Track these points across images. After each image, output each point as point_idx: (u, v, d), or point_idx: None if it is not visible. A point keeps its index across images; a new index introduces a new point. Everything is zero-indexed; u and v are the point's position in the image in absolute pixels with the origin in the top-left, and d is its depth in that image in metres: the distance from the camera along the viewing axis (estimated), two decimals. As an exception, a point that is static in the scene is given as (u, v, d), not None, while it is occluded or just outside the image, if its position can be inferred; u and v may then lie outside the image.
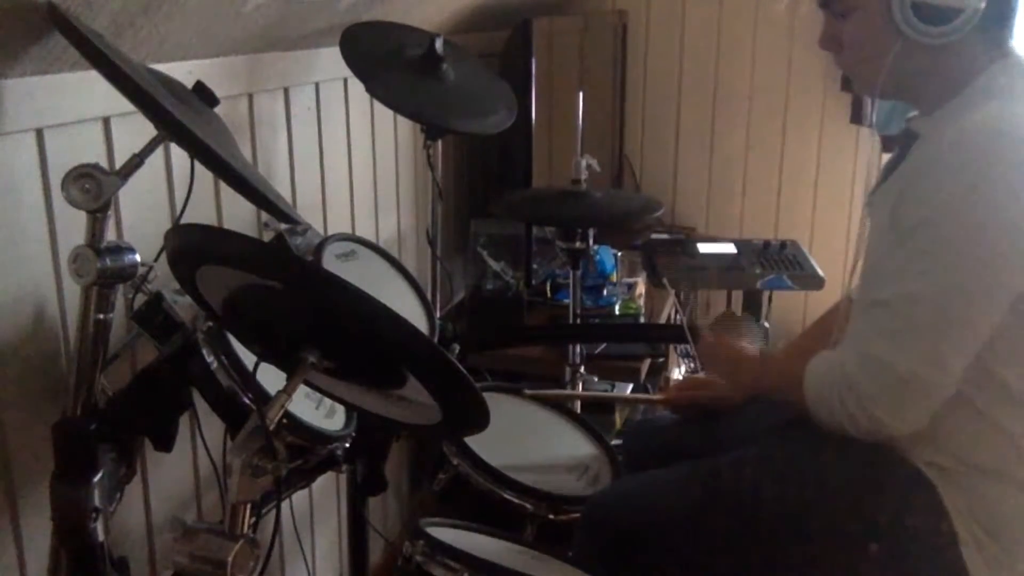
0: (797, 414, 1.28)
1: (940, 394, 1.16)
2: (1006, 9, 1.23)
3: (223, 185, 1.54)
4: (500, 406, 1.80)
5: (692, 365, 2.85)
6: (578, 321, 2.24)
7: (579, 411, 1.95)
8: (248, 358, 1.19)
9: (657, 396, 1.93)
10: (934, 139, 1.21)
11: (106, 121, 1.31)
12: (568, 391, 2.14)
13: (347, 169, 2.04)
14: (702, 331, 1.55)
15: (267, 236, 1.52)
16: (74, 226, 1.13)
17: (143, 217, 1.39)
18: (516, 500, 1.54)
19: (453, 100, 1.82)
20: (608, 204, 2.10)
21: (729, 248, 2.72)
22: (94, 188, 1.04)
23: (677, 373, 2.89)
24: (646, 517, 1.36)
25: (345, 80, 1.99)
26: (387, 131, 2.22)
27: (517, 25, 2.42)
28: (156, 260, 1.20)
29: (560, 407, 1.88)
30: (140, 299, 1.24)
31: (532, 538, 1.51)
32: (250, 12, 1.46)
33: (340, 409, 1.46)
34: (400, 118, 2.21)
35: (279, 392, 0.96)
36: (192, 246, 0.95)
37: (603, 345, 2.35)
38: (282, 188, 1.77)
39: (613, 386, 2.40)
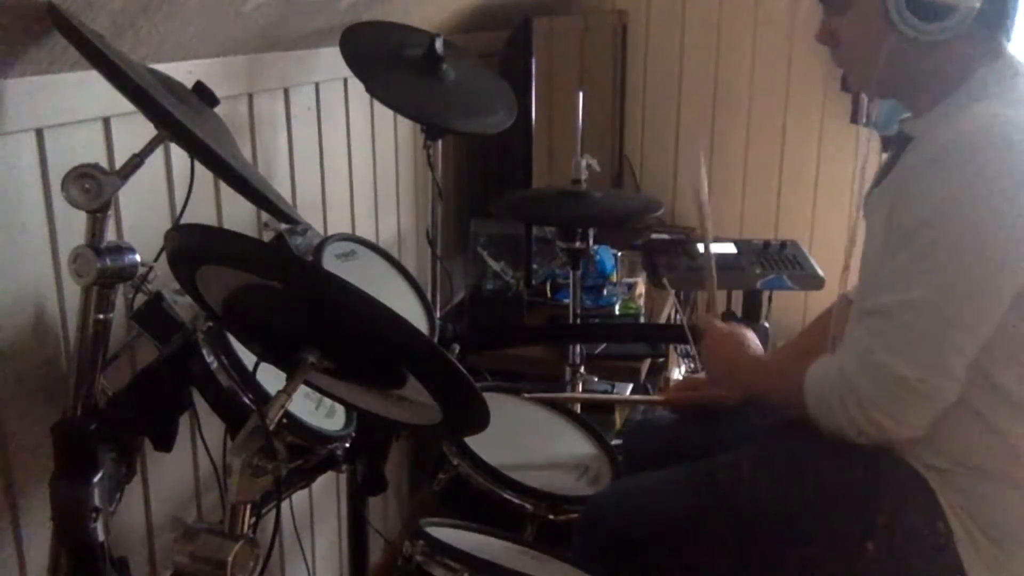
0: (796, 415, 1.28)
1: (942, 398, 1.16)
2: (1002, 10, 1.23)
3: (223, 185, 1.54)
4: (500, 406, 1.80)
5: (692, 365, 2.85)
6: (578, 321, 2.24)
7: (579, 411, 1.95)
8: (248, 358, 1.19)
9: (657, 396, 1.93)
10: (928, 141, 1.21)
11: (106, 121, 1.31)
12: (568, 393, 2.14)
13: (347, 169, 2.05)
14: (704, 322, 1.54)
15: (267, 236, 1.52)
16: (74, 226, 1.13)
17: (143, 217, 1.39)
18: (516, 500, 1.54)
19: (453, 100, 1.82)
20: (608, 204, 2.10)
21: (729, 248, 2.72)
22: (94, 188, 1.04)
23: (677, 373, 2.89)
24: (645, 517, 1.36)
25: (345, 80, 1.99)
26: (387, 131, 2.22)
27: (517, 25, 2.42)
28: (156, 260, 1.20)
29: (560, 407, 1.88)
30: (140, 299, 1.24)
31: (532, 538, 1.51)
32: (250, 12, 1.46)
33: (340, 409, 1.46)
34: (400, 118, 2.21)
35: (279, 392, 0.96)
36: (192, 246, 0.95)
37: (603, 345, 2.35)
38: (282, 188, 1.77)
39: (613, 386, 2.40)
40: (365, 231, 2.12)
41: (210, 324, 1.22)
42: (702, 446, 1.46)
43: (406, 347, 0.91)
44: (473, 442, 1.58)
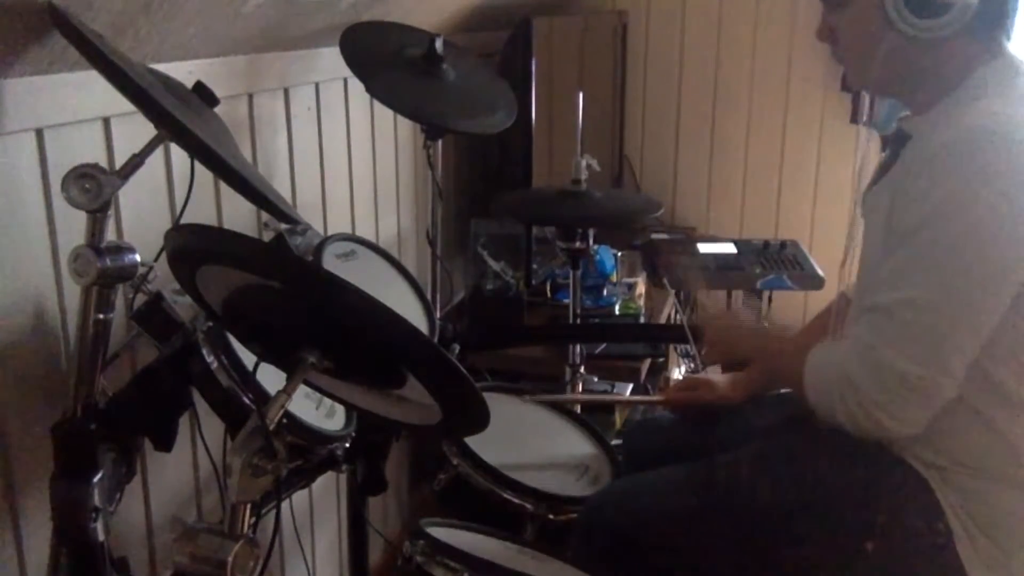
0: (795, 412, 1.28)
1: (942, 396, 1.16)
2: (1001, 9, 1.23)
3: (223, 185, 1.54)
4: (500, 406, 1.80)
5: (692, 365, 2.85)
6: (578, 321, 2.24)
7: (579, 411, 1.95)
8: (248, 358, 1.19)
9: (657, 396, 1.93)
10: (926, 139, 1.21)
11: (106, 121, 1.31)
12: (568, 395, 2.14)
13: (347, 169, 2.05)
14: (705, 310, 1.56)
15: (267, 236, 1.52)
16: (74, 226, 1.13)
17: (143, 217, 1.39)
18: (516, 500, 1.54)
19: (453, 100, 1.82)
20: (608, 204, 2.10)
21: (729, 248, 2.72)
22: (94, 188, 1.04)
23: (677, 373, 2.89)
24: (644, 517, 1.36)
25: (345, 80, 1.99)
26: (387, 131, 2.22)
27: (517, 25, 2.42)
28: (156, 260, 1.20)
29: (560, 407, 1.88)
30: (140, 299, 1.24)
31: (532, 538, 1.51)
32: (250, 12, 1.46)
33: (340, 409, 1.45)
34: (400, 118, 2.21)
35: (279, 392, 0.96)
36: (192, 246, 0.95)
37: (603, 345, 2.35)
38: (282, 188, 1.77)
39: (613, 386, 2.40)
40: (365, 231, 2.12)
41: (210, 324, 1.22)
42: (702, 446, 1.46)
43: (406, 347, 0.91)
44: (473, 442, 1.58)
